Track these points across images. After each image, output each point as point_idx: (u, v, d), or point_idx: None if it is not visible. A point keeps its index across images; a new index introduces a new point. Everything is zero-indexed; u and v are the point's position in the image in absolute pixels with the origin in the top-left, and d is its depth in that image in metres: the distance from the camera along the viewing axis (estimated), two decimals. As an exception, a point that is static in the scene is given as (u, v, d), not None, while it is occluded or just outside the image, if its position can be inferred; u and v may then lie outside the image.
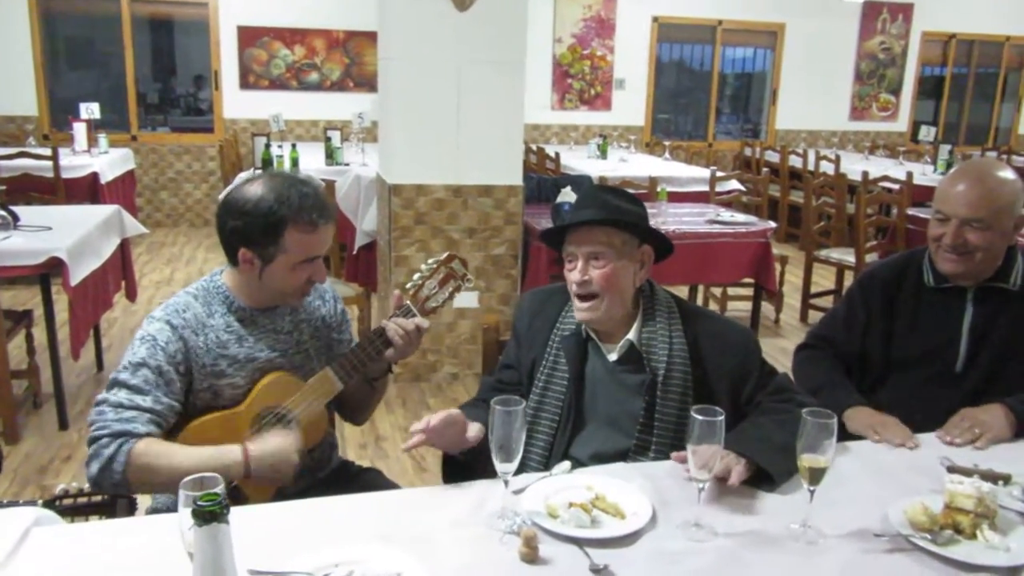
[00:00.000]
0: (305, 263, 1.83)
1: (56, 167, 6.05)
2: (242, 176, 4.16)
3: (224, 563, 0.99)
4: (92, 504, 1.80)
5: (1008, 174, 2.07)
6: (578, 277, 1.82)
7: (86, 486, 1.80)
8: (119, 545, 1.43)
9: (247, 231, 1.78)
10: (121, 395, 1.72)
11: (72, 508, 1.77)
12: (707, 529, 1.51)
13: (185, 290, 1.89)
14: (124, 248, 4.52)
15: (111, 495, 1.80)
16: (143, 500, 1.92)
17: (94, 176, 6.47)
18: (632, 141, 9.50)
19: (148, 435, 1.69)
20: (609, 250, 1.81)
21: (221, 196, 1.93)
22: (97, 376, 4.48)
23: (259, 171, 4.37)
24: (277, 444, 1.75)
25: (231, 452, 1.72)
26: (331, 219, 1.85)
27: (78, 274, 3.68)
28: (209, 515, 0.98)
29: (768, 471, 1.64)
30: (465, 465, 1.81)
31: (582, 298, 1.84)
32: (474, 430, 1.76)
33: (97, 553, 1.41)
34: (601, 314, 1.84)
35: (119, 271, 4.48)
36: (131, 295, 4.69)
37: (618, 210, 1.84)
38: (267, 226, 1.77)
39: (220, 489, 1.07)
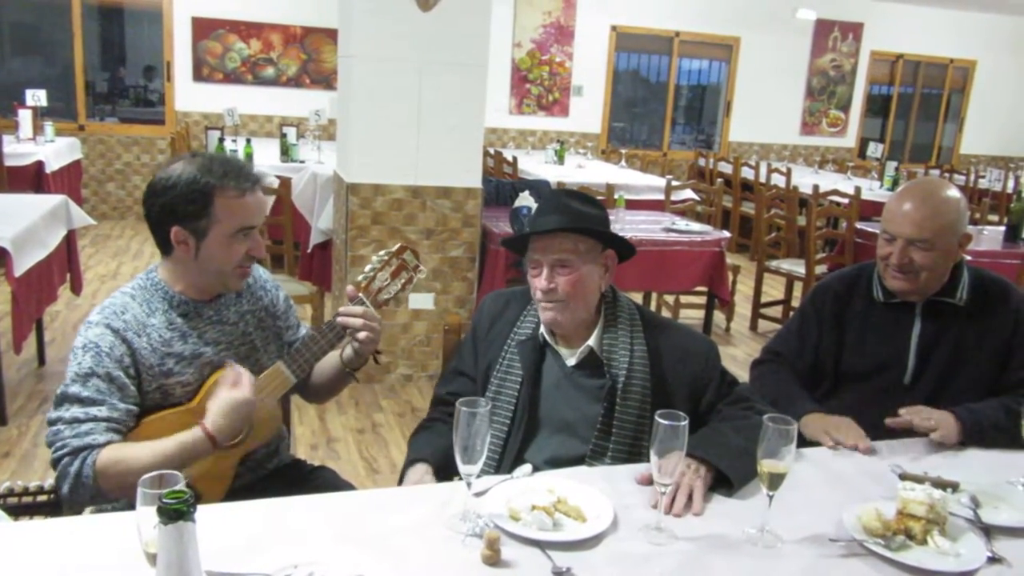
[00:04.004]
0: (240, 235, 1.78)
1: (-1, 154, 5.87)
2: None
3: (189, 563, 0.96)
4: (38, 503, 1.74)
5: (952, 193, 2.13)
6: (544, 285, 1.82)
7: (31, 484, 1.74)
8: (69, 544, 1.39)
9: (175, 205, 1.74)
10: (75, 410, 1.66)
11: (17, 507, 1.71)
12: (668, 533, 1.52)
13: (121, 290, 1.82)
14: (70, 240, 4.40)
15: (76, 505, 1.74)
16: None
17: (39, 165, 6.28)
18: (589, 148, 9.58)
19: (108, 444, 1.65)
20: (574, 257, 1.81)
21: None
22: (38, 371, 4.34)
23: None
24: (223, 400, 1.70)
25: (193, 435, 1.68)
26: (258, 186, 1.81)
27: (22, 265, 3.57)
28: (175, 513, 0.95)
29: (728, 476, 1.67)
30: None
31: (548, 301, 1.84)
32: (418, 473, 1.80)
33: (46, 552, 1.36)
34: (567, 316, 1.84)
35: (64, 263, 4.35)
36: (76, 288, 4.56)
37: (581, 215, 1.84)
38: (195, 195, 1.73)
39: (184, 486, 1.04)
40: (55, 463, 1.64)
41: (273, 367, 1.89)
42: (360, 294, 1.93)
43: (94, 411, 1.66)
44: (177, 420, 1.76)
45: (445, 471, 1.78)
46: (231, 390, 1.70)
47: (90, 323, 1.74)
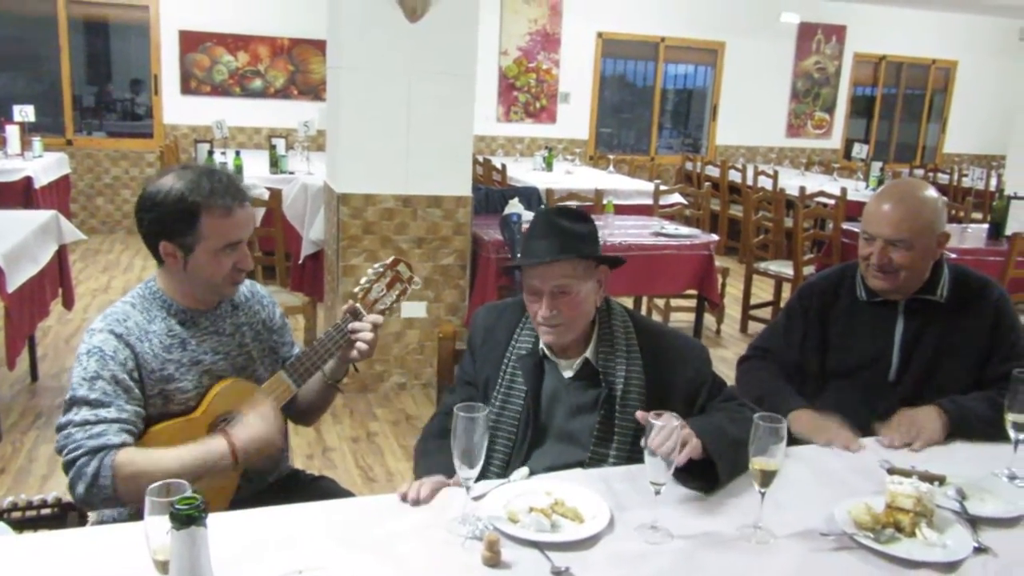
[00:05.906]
0: (227, 249, 1.81)
1: (-13, 171, 5.87)
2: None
3: (202, 567, 0.99)
4: (41, 517, 1.75)
5: (929, 193, 2.18)
6: (546, 313, 1.82)
7: (35, 498, 1.76)
8: (75, 556, 1.41)
9: (163, 222, 1.78)
10: (84, 413, 1.69)
11: (21, 521, 1.72)
12: (663, 531, 1.55)
13: (122, 300, 1.86)
14: (61, 255, 4.40)
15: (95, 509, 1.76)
16: (93, 513, 1.88)
17: (27, 180, 6.29)
18: (577, 154, 9.63)
19: (123, 444, 1.67)
20: (573, 280, 1.82)
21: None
22: (32, 386, 4.34)
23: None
24: (259, 429, 1.78)
25: (217, 444, 1.72)
26: (245, 202, 1.84)
27: (15, 281, 3.58)
28: (187, 518, 0.98)
29: (713, 458, 1.68)
30: None
31: (549, 325, 1.85)
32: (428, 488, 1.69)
33: (52, 564, 1.38)
34: (568, 336, 1.87)
35: (56, 278, 4.36)
36: (68, 303, 4.56)
37: (574, 235, 1.84)
38: (181, 215, 1.76)
39: (193, 492, 1.07)
40: (69, 465, 1.66)
41: (274, 377, 1.92)
42: (357, 304, 1.96)
43: (103, 412, 1.69)
44: (182, 429, 1.79)
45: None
46: (265, 426, 1.77)
47: (93, 330, 1.77)
